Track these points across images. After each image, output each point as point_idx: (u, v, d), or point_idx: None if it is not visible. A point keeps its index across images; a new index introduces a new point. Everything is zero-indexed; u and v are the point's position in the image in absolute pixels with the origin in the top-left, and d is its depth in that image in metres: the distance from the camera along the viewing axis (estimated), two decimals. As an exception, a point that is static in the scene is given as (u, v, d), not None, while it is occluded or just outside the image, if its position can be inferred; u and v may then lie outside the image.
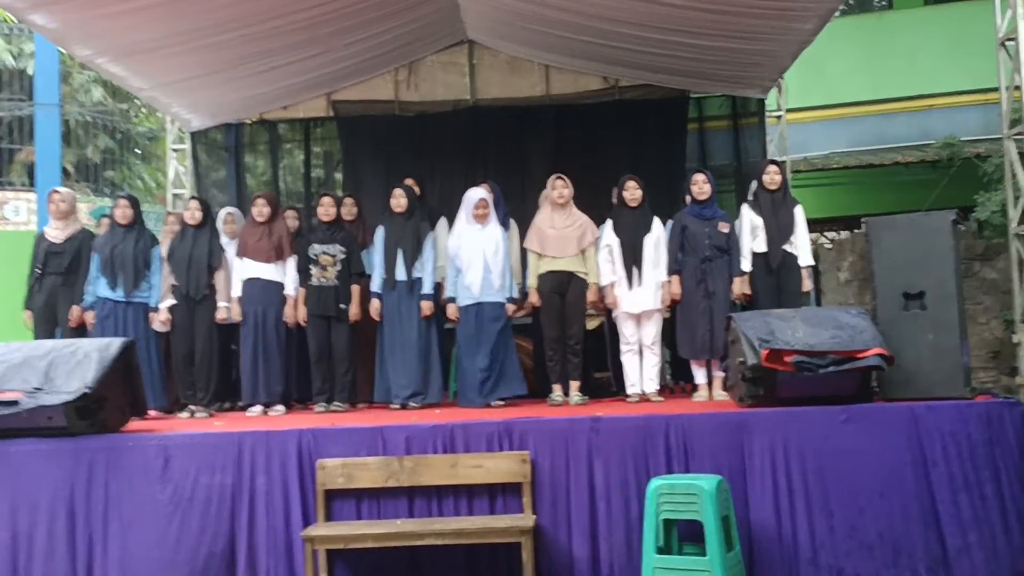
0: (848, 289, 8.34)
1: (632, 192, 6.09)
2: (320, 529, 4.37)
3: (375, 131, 8.79)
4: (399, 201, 6.34)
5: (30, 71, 10.97)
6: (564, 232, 6.08)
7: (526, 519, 4.34)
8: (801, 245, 6.05)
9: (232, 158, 9.03)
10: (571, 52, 8.19)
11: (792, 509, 4.37)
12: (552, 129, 8.58)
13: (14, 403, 4.45)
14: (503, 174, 7.79)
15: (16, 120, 11.38)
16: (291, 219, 6.89)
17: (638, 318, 6.01)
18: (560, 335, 6.05)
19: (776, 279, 5.96)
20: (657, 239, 6.06)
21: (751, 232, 6.03)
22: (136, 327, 6.20)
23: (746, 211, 6.12)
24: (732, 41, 6.96)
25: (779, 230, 6.01)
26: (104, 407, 4.67)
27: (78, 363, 4.65)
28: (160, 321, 6.26)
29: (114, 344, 4.86)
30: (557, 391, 6.03)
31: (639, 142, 8.43)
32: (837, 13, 6.38)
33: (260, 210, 6.35)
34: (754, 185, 6.34)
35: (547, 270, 6.08)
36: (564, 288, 6.05)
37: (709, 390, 5.88)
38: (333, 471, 4.47)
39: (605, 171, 7.78)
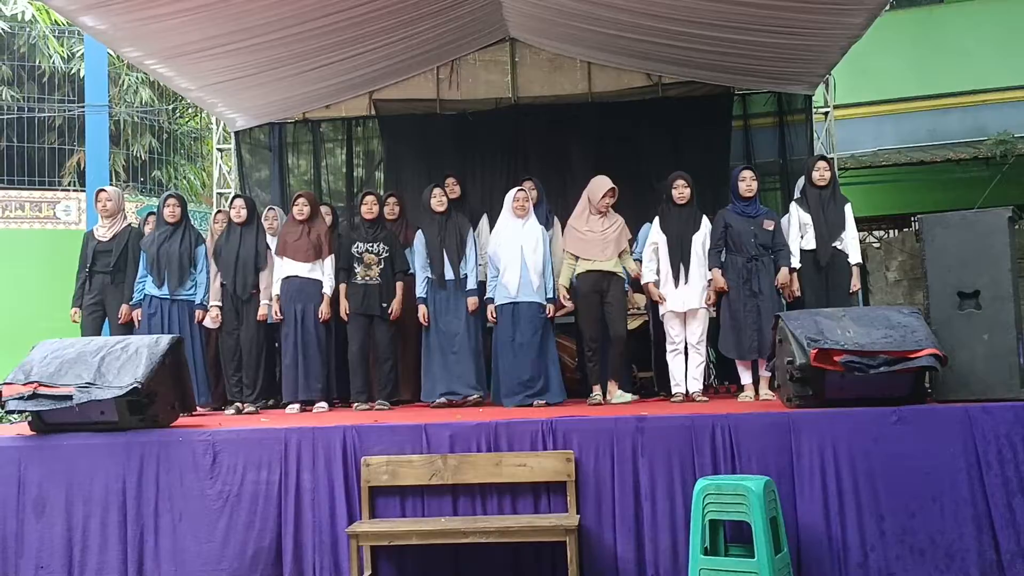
0: (897, 289, 8.21)
1: (680, 190, 6.03)
2: (365, 526, 4.38)
3: (417, 130, 8.82)
4: (440, 200, 6.35)
5: (81, 74, 11.18)
6: (605, 235, 6.06)
7: (570, 518, 4.32)
8: (850, 243, 5.97)
9: (275, 157, 9.13)
10: (613, 49, 8.14)
11: (841, 512, 4.29)
12: (594, 127, 8.53)
13: (68, 398, 4.53)
14: (545, 172, 7.76)
15: (66, 121, 11.61)
16: (326, 215, 6.91)
17: (684, 317, 5.95)
18: (599, 335, 6.02)
19: (825, 277, 5.88)
20: (704, 237, 5.99)
21: (800, 229, 5.96)
22: (181, 324, 6.27)
23: (794, 208, 6.05)
24: (778, 37, 6.88)
25: (828, 227, 5.92)
26: (154, 402, 4.74)
27: (129, 358, 4.72)
28: (211, 318, 6.33)
29: (163, 340, 4.94)
30: (596, 391, 5.99)
31: (682, 140, 8.35)
32: (886, 7, 6.26)
33: (300, 208, 6.39)
34: (801, 182, 6.24)
35: (586, 270, 6.04)
36: (603, 287, 6.02)
37: (755, 390, 5.80)
38: (377, 468, 4.49)
39: (648, 169, 7.74)
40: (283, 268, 6.32)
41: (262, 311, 6.28)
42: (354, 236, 6.42)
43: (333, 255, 6.36)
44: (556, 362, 6.07)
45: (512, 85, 8.84)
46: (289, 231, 6.41)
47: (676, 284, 5.92)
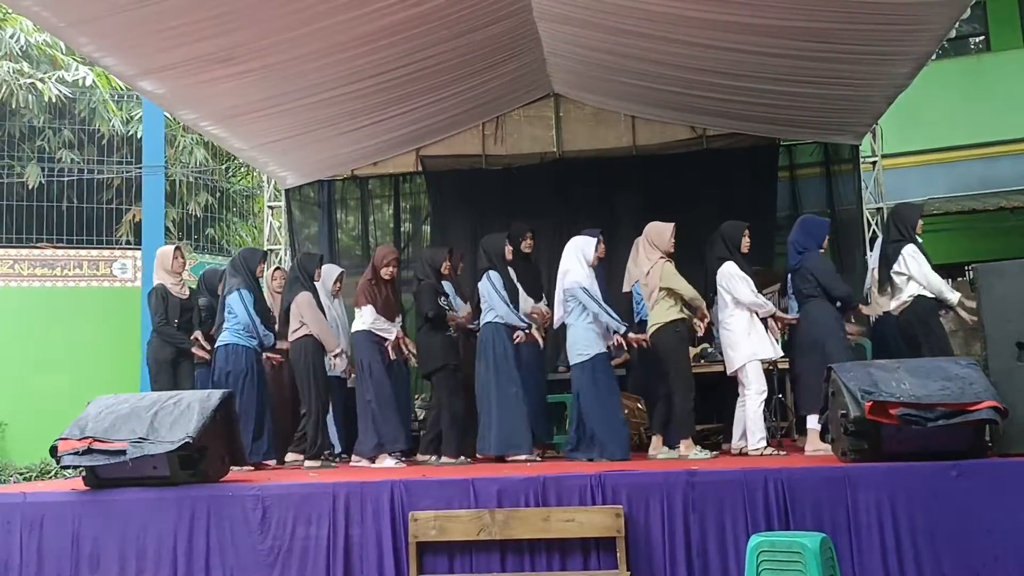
0: (952, 340, 7.97)
1: (747, 239, 6.04)
2: (413, 582, 4.34)
3: (463, 185, 8.94)
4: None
5: (139, 136, 11.54)
6: None
7: (620, 575, 4.23)
8: None
9: (324, 213, 9.32)
10: (657, 103, 8.20)
11: (901, 570, 4.15)
12: (639, 180, 8.58)
13: (121, 452, 4.59)
14: (590, 225, 7.75)
15: (124, 182, 11.97)
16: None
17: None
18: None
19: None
20: None
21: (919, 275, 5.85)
22: (261, 380, 6.35)
23: (918, 254, 5.88)
24: (823, 88, 6.88)
25: None
26: (205, 457, 4.78)
27: (181, 413, 4.78)
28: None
29: (215, 395, 4.99)
30: (684, 446, 5.83)
31: (728, 191, 8.31)
32: (932, 56, 6.24)
33: (392, 270, 6.43)
34: (895, 230, 6.05)
35: (683, 317, 5.89)
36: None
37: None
38: (425, 523, 4.45)
39: (694, 221, 7.69)
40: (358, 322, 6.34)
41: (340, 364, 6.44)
42: (440, 289, 6.53)
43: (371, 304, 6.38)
44: (616, 417, 5.90)
45: (557, 140, 8.94)
46: (378, 289, 6.37)
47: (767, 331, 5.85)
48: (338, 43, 6.32)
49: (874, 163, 8.37)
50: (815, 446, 5.60)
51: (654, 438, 5.94)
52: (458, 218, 8.93)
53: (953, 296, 5.79)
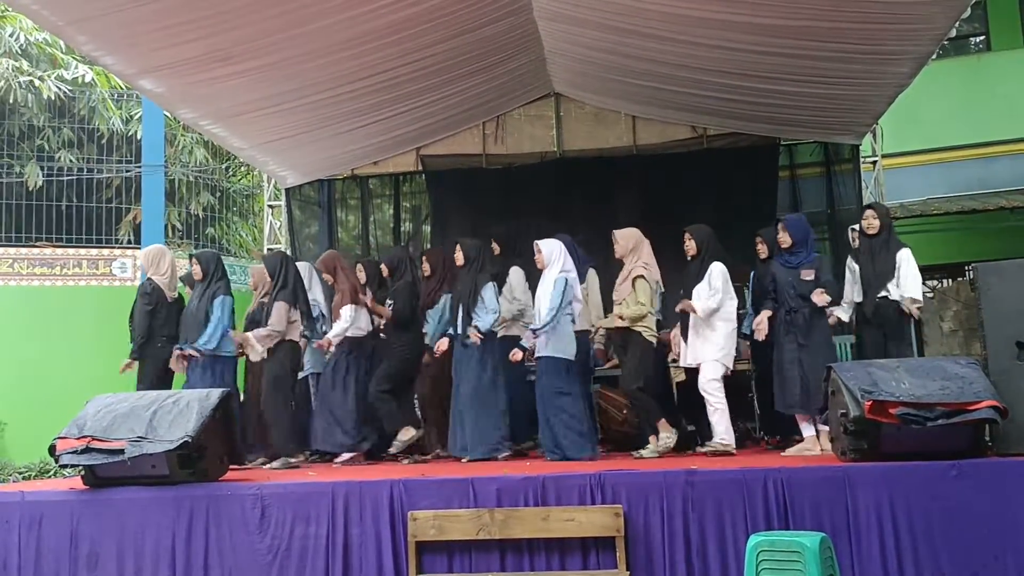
0: (953, 340, 8.02)
1: (686, 243, 6.03)
2: (412, 582, 4.34)
3: (463, 185, 8.94)
4: (456, 256, 6.43)
5: (138, 135, 11.54)
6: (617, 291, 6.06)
7: (620, 575, 4.23)
8: (904, 284, 5.68)
9: (324, 213, 9.32)
10: (657, 102, 8.20)
11: (900, 570, 4.16)
12: (640, 179, 8.57)
13: (120, 451, 4.59)
14: (590, 225, 7.78)
15: (124, 181, 11.95)
16: (359, 272, 6.86)
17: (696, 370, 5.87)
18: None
19: (879, 329, 5.73)
20: (705, 288, 5.82)
21: (853, 281, 5.87)
22: (224, 379, 6.28)
23: (849, 260, 6.02)
24: (824, 87, 6.88)
25: (875, 276, 5.75)
26: (204, 456, 4.77)
27: (180, 412, 4.78)
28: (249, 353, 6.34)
29: (214, 394, 4.99)
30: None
31: (728, 191, 8.33)
32: (933, 56, 6.23)
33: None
34: (855, 232, 6.17)
35: (609, 326, 6.07)
36: (619, 343, 6.03)
37: (818, 442, 5.67)
38: (424, 523, 4.45)
39: (694, 221, 7.67)
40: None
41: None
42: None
43: (351, 305, 6.38)
44: (567, 420, 5.73)
45: (557, 139, 8.94)
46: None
47: (684, 339, 5.90)
48: (337, 42, 6.32)
49: (874, 163, 8.37)
50: (820, 447, 5.59)
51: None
52: (458, 217, 8.93)
53: (843, 313, 5.89)
